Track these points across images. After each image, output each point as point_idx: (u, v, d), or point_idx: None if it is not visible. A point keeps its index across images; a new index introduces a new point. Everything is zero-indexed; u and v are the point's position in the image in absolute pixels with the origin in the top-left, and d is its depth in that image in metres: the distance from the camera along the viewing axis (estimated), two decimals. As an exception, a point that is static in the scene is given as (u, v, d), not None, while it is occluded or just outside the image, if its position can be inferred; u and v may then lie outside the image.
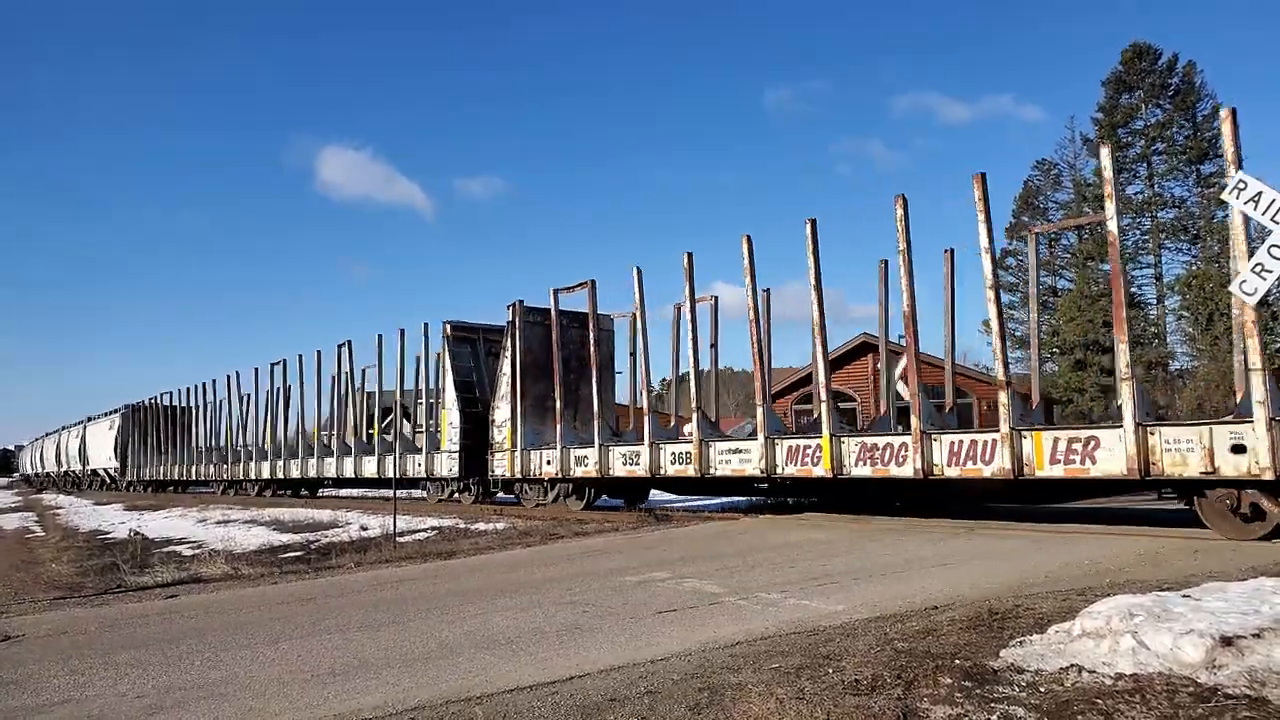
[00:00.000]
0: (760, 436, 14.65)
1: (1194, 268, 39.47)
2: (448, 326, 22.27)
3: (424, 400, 23.75)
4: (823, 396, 13.89)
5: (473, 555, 12.00)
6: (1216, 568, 7.70)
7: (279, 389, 31.08)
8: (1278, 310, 25.77)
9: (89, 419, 55.58)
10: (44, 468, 68.10)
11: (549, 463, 18.74)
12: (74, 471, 58.22)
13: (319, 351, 28.78)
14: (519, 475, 19.54)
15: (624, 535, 13.62)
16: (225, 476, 35.09)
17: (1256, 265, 9.55)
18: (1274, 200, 9.42)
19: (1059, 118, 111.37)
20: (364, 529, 16.61)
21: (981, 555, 9.71)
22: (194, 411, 39.41)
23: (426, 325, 22.84)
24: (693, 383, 16.27)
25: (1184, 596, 5.23)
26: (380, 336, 24.86)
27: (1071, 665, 4.45)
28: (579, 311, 19.51)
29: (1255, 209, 9.57)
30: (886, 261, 16.51)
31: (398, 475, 21.04)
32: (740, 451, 15.15)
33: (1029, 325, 17.92)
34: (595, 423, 17.58)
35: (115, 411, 50.04)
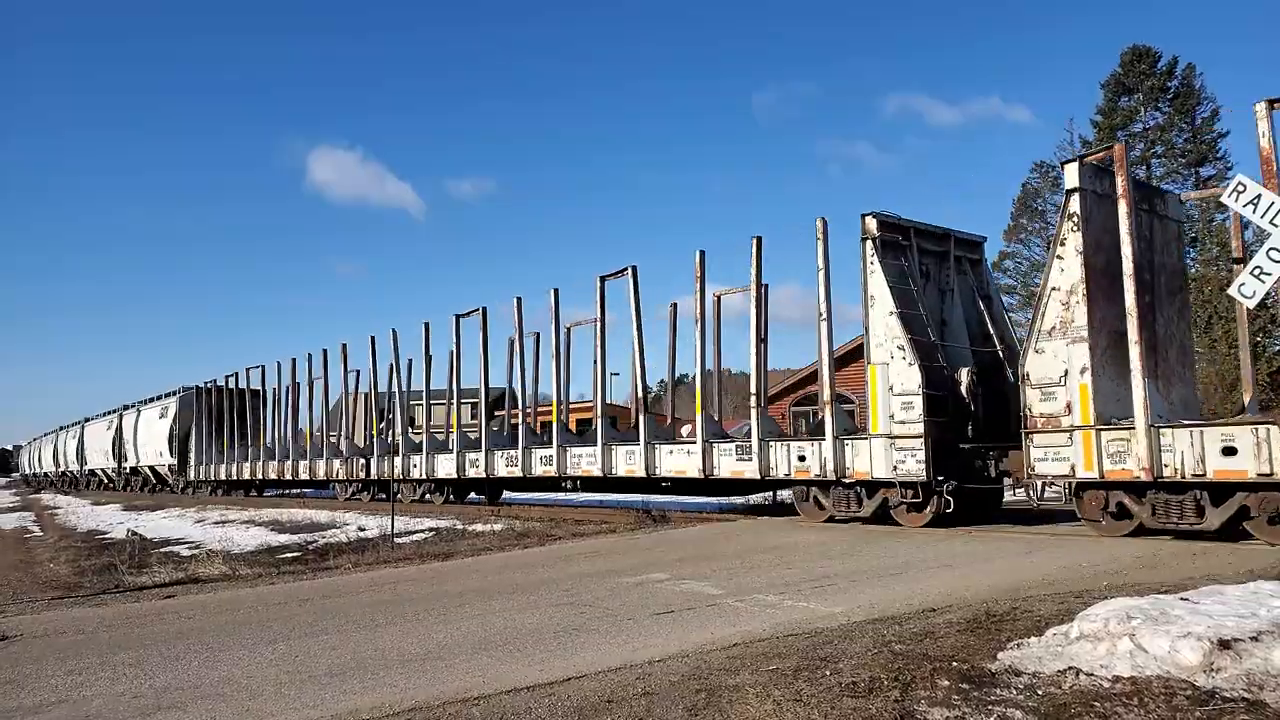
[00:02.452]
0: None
1: (1192, 271, 39.51)
2: (871, 221, 13.32)
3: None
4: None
5: (470, 556, 11.99)
6: (1214, 570, 7.70)
7: (462, 349, 21.65)
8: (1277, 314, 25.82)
9: (125, 407, 45.73)
10: (59, 466, 58.76)
11: (1226, 450, 9.64)
12: (105, 470, 48.50)
13: (555, 290, 18.86)
14: (1141, 476, 10.27)
15: (621, 537, 13.61)
16: (359, 475, 25.59)
17: (1255, 268, 9.55)
18: (1272, 203, 9.43)
19: (1047, 118, 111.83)
20: (362, 530, 16.62)
21: (978, 558, 9.71)
22: (274, 395, 31.08)
23: (824, 220, 13.55)
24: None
25: (1182, 599, 5.22)
26: (700, 254, 15.60)
27: (1069, 668, 4.45)
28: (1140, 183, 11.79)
29: (1254, 212, 9.58)
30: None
31: (763, 474, 14.25)
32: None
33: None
34: None
35: (170, 395, 39.30)
